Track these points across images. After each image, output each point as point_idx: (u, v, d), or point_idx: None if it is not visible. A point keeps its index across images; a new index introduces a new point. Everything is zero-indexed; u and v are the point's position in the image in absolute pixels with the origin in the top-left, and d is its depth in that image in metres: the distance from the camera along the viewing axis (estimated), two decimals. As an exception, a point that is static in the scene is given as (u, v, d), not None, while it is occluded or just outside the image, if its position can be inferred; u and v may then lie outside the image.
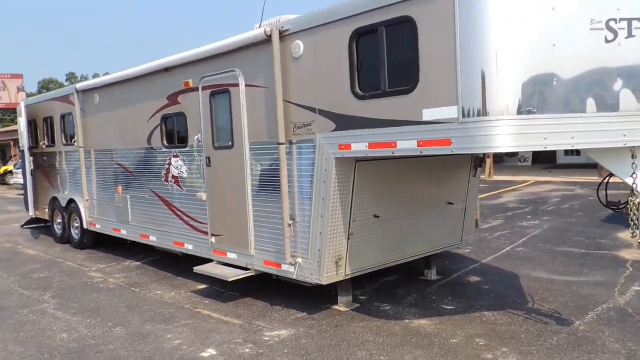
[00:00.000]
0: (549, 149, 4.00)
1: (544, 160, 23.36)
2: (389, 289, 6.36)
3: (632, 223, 4.40)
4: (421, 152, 4.30)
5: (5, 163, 35.45)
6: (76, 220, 9.60)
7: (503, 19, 3.86)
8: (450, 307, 5.61)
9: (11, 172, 27.67)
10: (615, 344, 4.51)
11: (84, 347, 4.86)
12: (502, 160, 24.06)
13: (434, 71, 4.11)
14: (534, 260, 7.45)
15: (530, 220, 10.66)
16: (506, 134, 3.91)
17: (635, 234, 4.42)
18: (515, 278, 6.64)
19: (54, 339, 5.12)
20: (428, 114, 4.17)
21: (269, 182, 5.60)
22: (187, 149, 6.75)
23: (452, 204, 6.39)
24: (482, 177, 16.59)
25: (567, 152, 21.89)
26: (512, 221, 10.60)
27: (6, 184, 28.33)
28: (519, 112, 3.91)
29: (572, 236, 8.94)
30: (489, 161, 18.79)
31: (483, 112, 3.90)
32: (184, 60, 6.63)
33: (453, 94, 3.99)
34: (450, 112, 4.03)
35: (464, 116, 3.97)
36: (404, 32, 4.24)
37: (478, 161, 6.59)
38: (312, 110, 5.08)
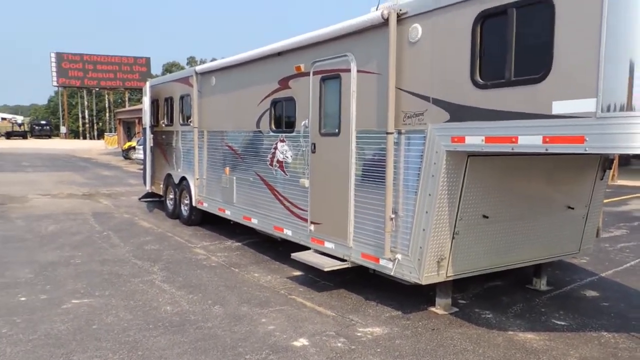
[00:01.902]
0: None
1: (681, 166, 20.70)
2: (492, 295, 5.92)
3: None
4: (546, 150, 3.85)
5: (130, 139, 38.78)
6: (186, 197, 10.11)
7: (662, -1, 3.29)
8: (562, 323, 5.07)
9: (134, 147, 30.18)
10: None
11: (185, 322, 5.04)
12: (628, 162, 21.71)
13: (570, 58, 3.63)
14: (667, 280, 6.55)
15: (662, 233, 9.44)
16: (655, 133, 3.35)
17: None
18: (642, 297, 5.88)
19: (159, 310, 5.37)
20: (559, 107, 3.71)
21: (373, 173, 5.40)
22: (294, 134, 6.75)
23: (573, 208, 5.76)
24: (606, 181, 14.92)
25: None
26: (638, 232, 9.46)
27: (129, 158, 30.95)
28: (674, 109, 3.33)
29: None
30: (613, 162, 17.02)
31: (628, 106, 3.38)
32: (296, 45, 6.60)
33: (592, 84, 3.50)
34: (586, 105, 3.55)
35: (602, 111, 3.47)
36: (538, 13, 3.80)
37: (607, 162, 5.88)
38: (426, 98, 4.78)
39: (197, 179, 9.54)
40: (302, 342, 4.57)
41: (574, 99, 3.63)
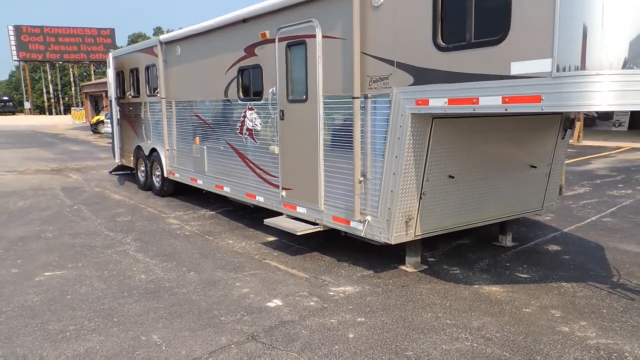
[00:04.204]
0: (656, 108, 3.55)
1: (643, 125, 21.37)
2: (459, 252, 6.15)
3: None
4: (506, 109, 3.98)
5: (97, 113, 37.87)
6: (157, 168, 10.05)
7: (613, -40, 3.39)
8: (525, 275, 5.34)
9: (102, 121, 29.55)
10: None
11: (159, 289, 5.12)
12: (593, 123, 22.33)
13: (527, 20, 3.72)
14: (623, 232, 6.90)
15: (621, 189, 9.85)
16: (607, 90, 3.50)
17: None
18: (600, 249, 6.19)
19: (133, 279, 5.42)
20: (517, 67, 3.82)
21: (341, 137, 5.48)
22: (262, 101, 6.75)
23: (535, 167, 5.98)
24: (570, 141, 15.66)
25: (671, 118, 19.85)
26: (600, 189, 9.85)
27: (98, 132, 30.34)
28: (624, 69, 3.48)
29: (670, 209, 8.17)
30: (578, 124, 17.49)
31: (581, 67, 3.51)
32: (261, 11, 6.53)
33: (548, 45, 3.61)
34: (542, 65, 3.66)
35: (558, 70, 3.60)
36: (495, -25, 3.86)
37: (568, 122, 6.08)
38: (390, 62, 4.84)
39: (168, 150, 9.47)
40: (275, 302, 4.71)
41: (531, 60, 3.74)
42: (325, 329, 4.16)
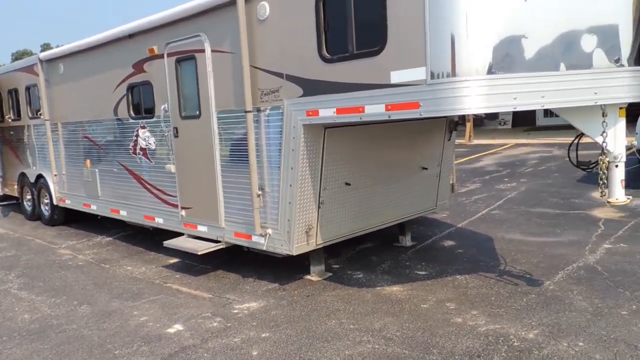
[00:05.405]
0: (518, 109, 3.89)
1: (524, 122, 23.42)
2: (362, 256, 6.31)
3: (601, 182, 4.35)
4: (389, 117, 4.16)
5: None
6: (46, 196, 9.33)
7: (471, -24, 3.67)
8: (423, 273, 5.59)
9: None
10: (582, 301, 4.54)
11: (46, 328, 4.72)
12: (482, 123, 24.08)
13: (402, 32, 3.93)
14: (509, 222, 7.47)
15: (507, 182, 10.68)
16: (475, 94, 3.77)
17: (604, 193, 4.37)
18: (489, 241, 6.65)
19: (14, 321, 4.96)
20: (396, 76, 4.01)
21: (237, 152, 5.43)
22: (154, 119, 6.52)
23: (426, 168, 6.31)
24: (461, 141, 16.53)
25: (546, 114, 21.92)
26: (489, 184, 10.61)
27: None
28: (489, 73, 3.78)
29: (547, 197, 8.98)
30: (468, 125, 18.75)
31: (452, 73, 3.76)
32: (148, 26, 6.34)
33: (421, 55, 3.83)
34: (418, 73, 3.88)
35: (432, 78, 3.82)
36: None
37: (452, 124, 6.48)
38: (279, 75, 4.88)
39: (56, 175, 8.83)
40: (176, 328, 4.53)
41: (408, 69, 3.94)
42: (229, 349, 4.06)
